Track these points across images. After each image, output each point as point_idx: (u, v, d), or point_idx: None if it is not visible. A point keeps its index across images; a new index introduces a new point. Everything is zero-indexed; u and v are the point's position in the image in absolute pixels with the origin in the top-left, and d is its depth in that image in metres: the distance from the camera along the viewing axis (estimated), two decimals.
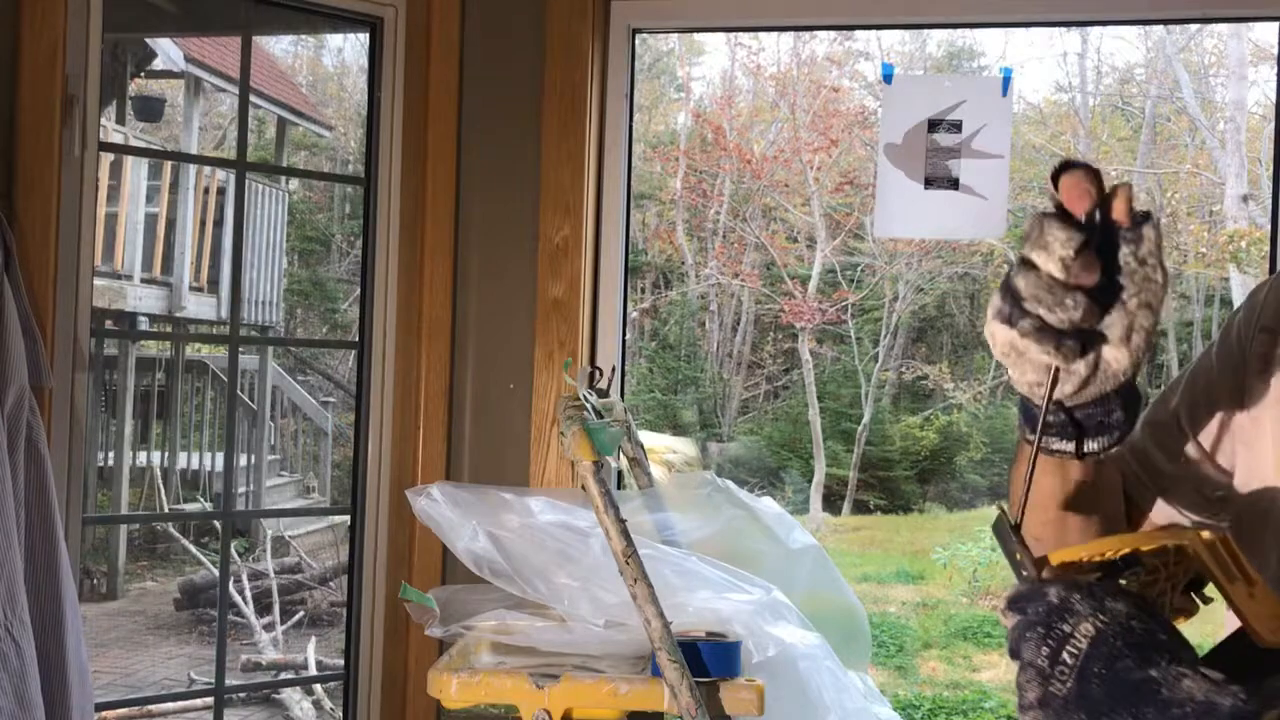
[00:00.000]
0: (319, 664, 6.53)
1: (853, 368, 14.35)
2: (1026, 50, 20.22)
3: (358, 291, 2.60)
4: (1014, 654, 0.78)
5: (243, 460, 9.48)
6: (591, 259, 2.31)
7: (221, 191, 9.33)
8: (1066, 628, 0.74)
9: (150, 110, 10.55)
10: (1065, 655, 0.74)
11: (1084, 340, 0.78)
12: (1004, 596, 0.80)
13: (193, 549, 8.36)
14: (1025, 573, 0.80)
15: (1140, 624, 0.74)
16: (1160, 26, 12.95)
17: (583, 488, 1.53)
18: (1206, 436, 1.03)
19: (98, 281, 2.45)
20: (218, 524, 8.65)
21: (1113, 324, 0.78)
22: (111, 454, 8.83)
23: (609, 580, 1.58)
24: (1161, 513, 1.07)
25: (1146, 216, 0.77)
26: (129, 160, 8.59)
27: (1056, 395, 0.81)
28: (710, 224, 15.06)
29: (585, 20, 2.26)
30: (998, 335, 0.78)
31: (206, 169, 9.37)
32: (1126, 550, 0.80)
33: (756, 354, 15.88)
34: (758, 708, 1.54)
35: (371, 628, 2.32)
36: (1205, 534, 0.78)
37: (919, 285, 14.76)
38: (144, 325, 8.71)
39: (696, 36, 15.84)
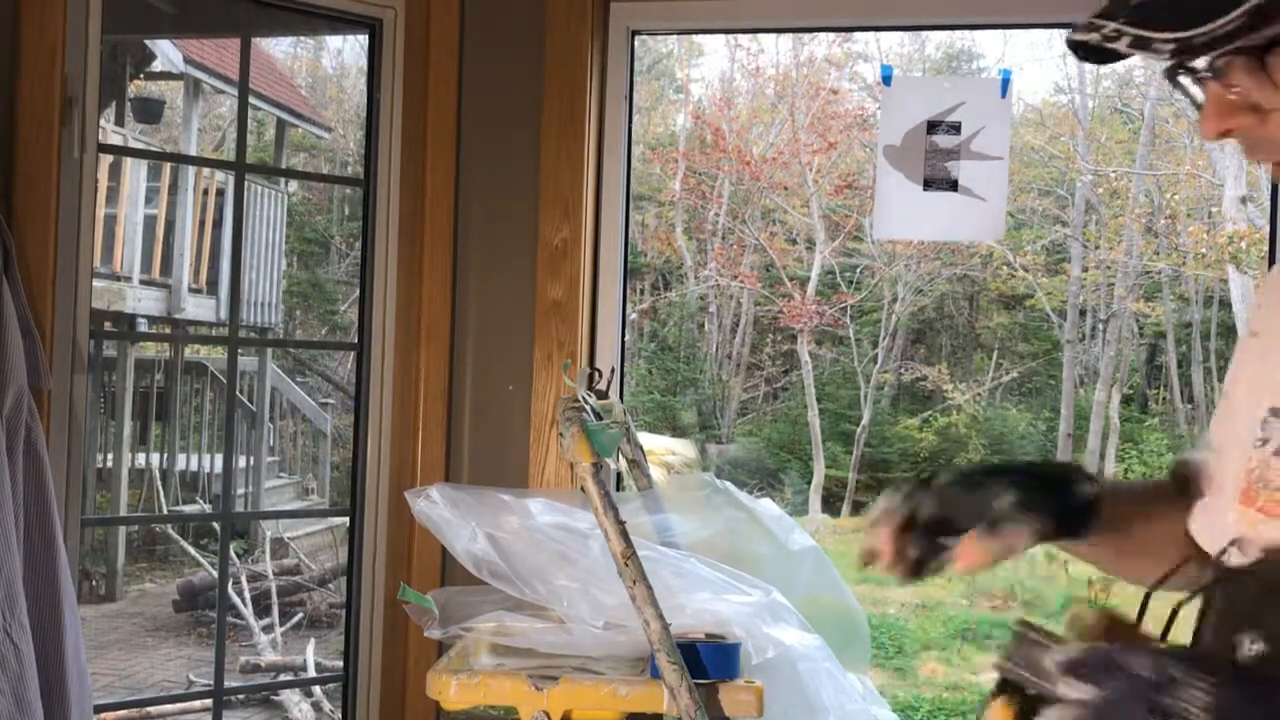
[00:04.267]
0: (318, 665, 6.52)
1: (852, 369, 14.35)
2: (1026, 52, 20.25)
3: (357, 293, 2.61)
4: None
5: (241, 462, 9.46)
6: (591, 260, 2.31)
7: (220, 193, 9.32)
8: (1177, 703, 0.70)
9: (149, 112, 10.54)
10: None
11: None
12: (1057, 660, 0.78)
13: (191, 550, 8.34)
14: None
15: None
16: None
17: (582, 489, 1.53)
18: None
19: (97, 283, 2.45)
20: (216, 525, 8.64)
21: None
22: (110, 455, 8.82)
23: (608, 582, 1.58)
24: None
25: None
26: (128, 161, 8.58)
27: None
28: (709, 225, 15.06)
29: (584, 22, 2.26)
30: None
31: (206, 170, 9.36)
32: None
33: (755, 355, 15.87)
34: (757, 709, 1.53)
35: (371, 629, 2.32)
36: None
37: (918, 287, 14.75)
38: (143, 327, 8.70)
39: (696, 38, 15.82)
